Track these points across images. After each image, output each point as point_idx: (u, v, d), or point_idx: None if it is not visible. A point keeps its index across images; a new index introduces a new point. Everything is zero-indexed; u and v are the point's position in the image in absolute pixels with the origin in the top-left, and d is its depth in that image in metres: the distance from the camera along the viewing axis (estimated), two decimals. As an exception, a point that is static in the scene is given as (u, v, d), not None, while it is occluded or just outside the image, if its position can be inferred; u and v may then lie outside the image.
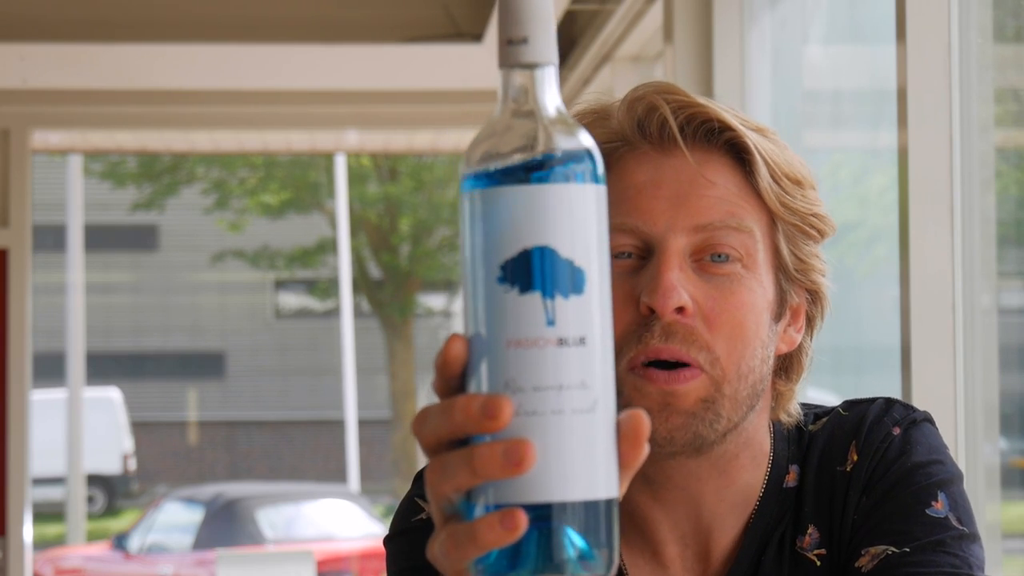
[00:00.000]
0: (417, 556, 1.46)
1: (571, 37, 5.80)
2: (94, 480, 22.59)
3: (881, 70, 3.30)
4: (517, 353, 1.05)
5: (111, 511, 23.30)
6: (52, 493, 21.10)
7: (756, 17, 4.13)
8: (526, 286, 1.05)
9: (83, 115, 7.08)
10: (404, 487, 20.54)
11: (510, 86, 1.08)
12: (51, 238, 21.55)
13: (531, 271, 1.05)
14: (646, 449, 1.08)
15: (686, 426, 1.48)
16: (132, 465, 23.47)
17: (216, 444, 26.40)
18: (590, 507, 1.05)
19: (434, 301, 24.50)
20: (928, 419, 1.58)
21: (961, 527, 1.51)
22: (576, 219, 1.06)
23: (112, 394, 22.96)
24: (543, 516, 1.05)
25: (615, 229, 1.49)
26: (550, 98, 1.08)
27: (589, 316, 1.06)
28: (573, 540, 1.05)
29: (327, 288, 23.99)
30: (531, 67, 1.08)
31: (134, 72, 6.62)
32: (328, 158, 19.82)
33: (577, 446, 1.05)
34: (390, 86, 6.90)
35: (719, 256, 1.51)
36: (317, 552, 12.58)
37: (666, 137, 1.53)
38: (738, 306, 1.50)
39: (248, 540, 14.18)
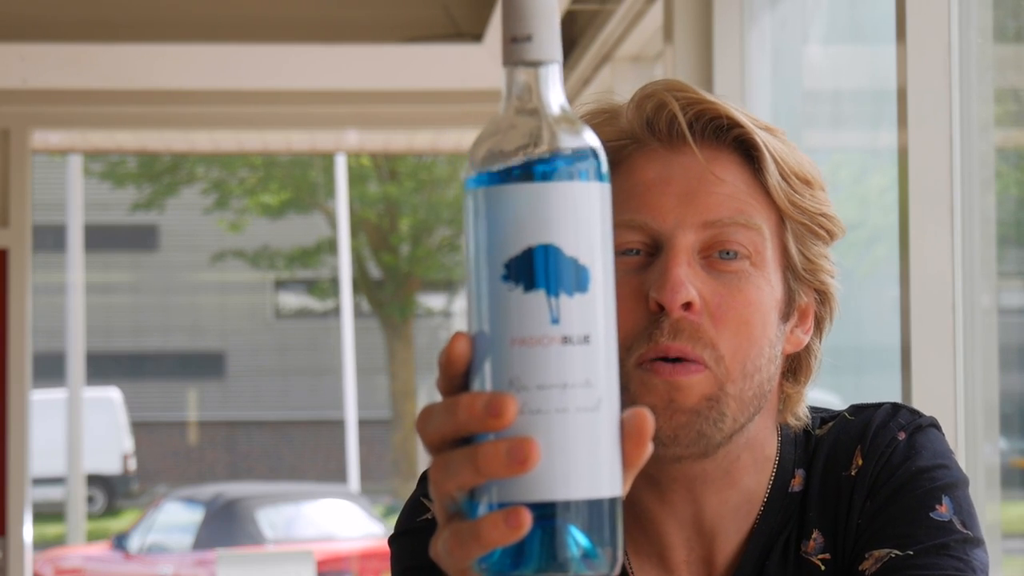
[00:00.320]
0: (421, 555, 1.46)
1: (571, 37, 5.79)
2: (94, 480, 22.58)
3: (881, 70, 3.30)
4: (521, 351, 1.05)
5: (111, 511, 23.28)
6: (52, 493, 21.07)
7: (756, 17, 4.13)
8: (530, 284, 1.05)
9: (83, 115, 7.08)
10: (404, 487, 20.55)
11: (514, 84, 1.08)
12: (51, 238, 21.52)
13: (535, 269, 1.05)
14: (650, 447, 1.07)
15: (690, 424, 1.48)
16: (132, 465, 23.45)
17: (216, 444, 26.38)
18: (594, 506, 1.05)
19: (434, 301, 24.49)
20: (934, 424, 1.58)
21: (965, 531, 1.51)
22: (580, 217, 1.06)
23: (112, 394, 22.94)
24: (547, 515, 1.04)
25: (624, 226, 1.49)
26: (554, 96, 1.08)
27: (593, 314, 1.06)
28: (577, 539, 1.05)
29: (327, 288, 23.97)
30: (535, 65, 1.08)
31: (134, 72, 6.61)
32: (328, 158, 19.81)
33: (581, 445, 1.05)
34: (390, 86, 6.89)
35: (727, 253, 1.50)
36: (317, 552, 12.57)
37: (675, 134, 1.53)
38: (745, 303, 1.50)
39: (248, 540, 14.18)
